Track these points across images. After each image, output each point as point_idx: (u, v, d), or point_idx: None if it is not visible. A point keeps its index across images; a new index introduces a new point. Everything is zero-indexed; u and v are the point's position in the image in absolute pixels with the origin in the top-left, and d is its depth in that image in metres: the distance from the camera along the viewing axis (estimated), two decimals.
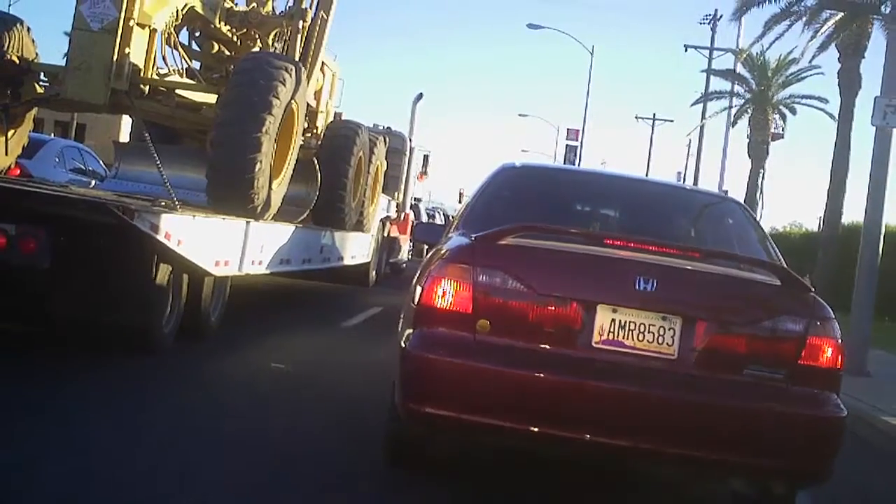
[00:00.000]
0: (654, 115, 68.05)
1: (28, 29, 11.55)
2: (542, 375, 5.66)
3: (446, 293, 5.80)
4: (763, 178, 44.68)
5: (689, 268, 6.12)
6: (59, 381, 8.06)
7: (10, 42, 11.10)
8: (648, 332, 5.75)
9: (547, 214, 7.06)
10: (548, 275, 5.91)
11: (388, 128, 23.26)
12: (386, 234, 22.64)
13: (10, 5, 44.28)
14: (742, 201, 43.03)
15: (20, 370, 8.28)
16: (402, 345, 6.01)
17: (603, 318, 5.75)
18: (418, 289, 6.03)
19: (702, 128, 49.77)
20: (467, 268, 5.82)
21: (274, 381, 9.50)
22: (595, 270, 5.98)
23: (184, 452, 6.59)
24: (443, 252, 6.32)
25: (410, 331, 5.99)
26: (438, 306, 5.82)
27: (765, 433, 5.71)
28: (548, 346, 5.78)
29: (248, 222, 10.62)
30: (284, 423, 7.81)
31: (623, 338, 5.75)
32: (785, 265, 6.61)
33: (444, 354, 5.73)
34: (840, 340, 5.96)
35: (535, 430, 5.66)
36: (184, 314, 9.92)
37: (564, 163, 65.24)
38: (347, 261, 17.15)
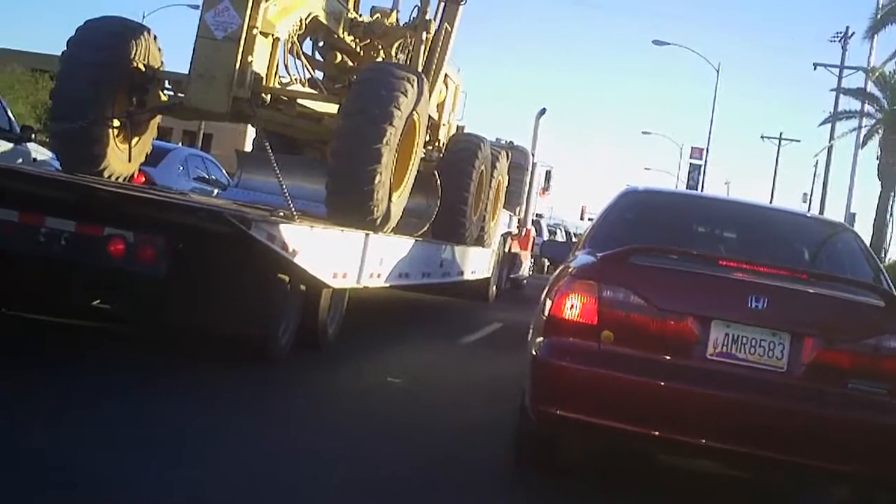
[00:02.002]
0: (781, 134, 66.93)
1: (154, 37, 11.63)
2: (660, 383, 6.13)
3: (574, 306, 6.31)
4: (893, 201, 43.42)
5: (797, 288, 6.52)
6: (172, 389, 8.05)
7: (136, 50, 11.18)
8: (759, 346, 6.17)
9: (667, 236, 7.51)
10: (667, 292, 6.37)
11: (511, 142, 23.03)
12: (507, 250, 22.45)
13: (143, 17, 45.32)
14: (871, 225, 41.94)
15: (133, 377, 8.26)
16: (533, 352, 6.51)
17: (717, 332, 6.19)
18: (548, 302, 6.51)
19: (830, 148, 48.57)
20: (593, 284, 6.31)
21: (388, 396, 9.35)
22: (710, 289, 6.46)
23: (287, 466, 6.47)
24: (571, 269, 6.79)
25: (541, 340, 6.49)
26: (567, 318, 6.33)
27: (868, 444, 6.07)
28: (666, 357, 6.24)
29: (367, 234, 10.50)
30: (394, 442, 7.64)
31: (735, 351, 6.18)
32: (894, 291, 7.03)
33: (571, 362, 6.25)
34: None
35: (655, 433, 6.15)
36: (300, 325, 9.83)
37: (688, 181, 64.68)
38: (467, 275, 16.99)
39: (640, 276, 6.38)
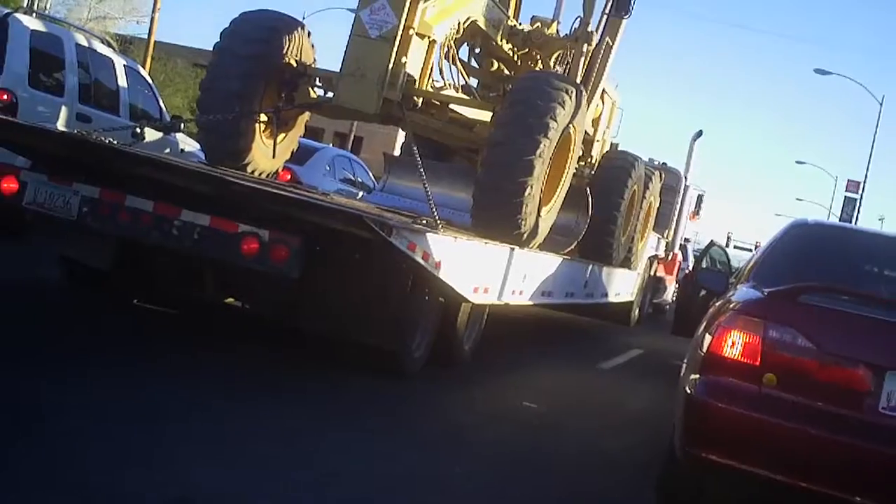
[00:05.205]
0: None
1: (308, 34, 11.40)
2: (824, 436, 5.64)
3: (735, 344, 5.85)
4: None
5: None
6: (302, 398, 7.80)
7: (289, 45, 10.95)
8: None
9: (837, 274, 7.05)
10: (839, 336, 5.85)
11: (664, 163, 22.43)
12: (652, 273, 21.83)
13: (304, 17, 45.74)
14: None
15: (263, 382, 8.06)
16: (687, 390, 6.07)
17: (892, 384, 5.66)
18: (707, 337, 6.07)
19: None
20: (758, 321, 5.85)
21: (522, 421, 8.89)
22: (888, 336, 5.89)
23: (405, 488, 6.20)
24: (734, 304, 6.27)
25: (696, 377, 6.06)
26: (727, 356, 5.87)
27: None
28: (833, 408, 5.72)
29: (512, 249, 10.06)
30: (525, 471, 7.21)
31: None
32: None
33: (729, 404, 5.80)
34: None
35: (812, 487, 5.66)
36: (436, 340, 9.44)
37: (841, 215, 62.89)
38: (611, 297, 16.44)
39: (811, 316, 5.88)
